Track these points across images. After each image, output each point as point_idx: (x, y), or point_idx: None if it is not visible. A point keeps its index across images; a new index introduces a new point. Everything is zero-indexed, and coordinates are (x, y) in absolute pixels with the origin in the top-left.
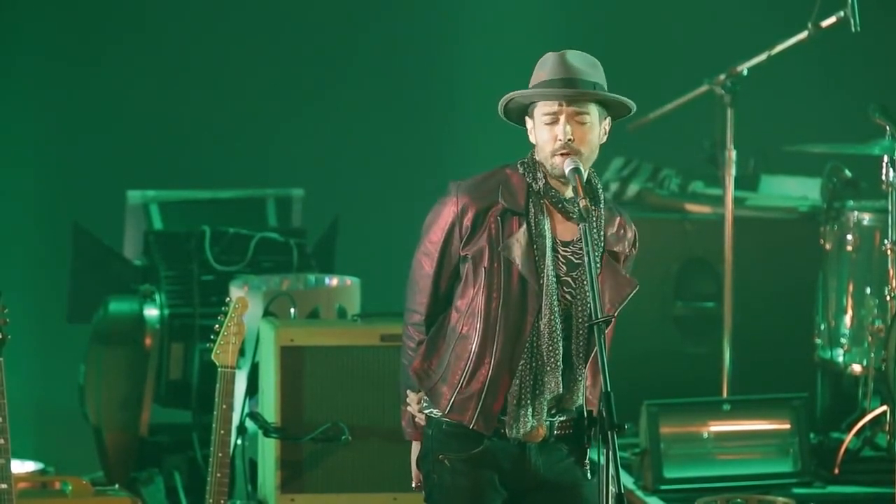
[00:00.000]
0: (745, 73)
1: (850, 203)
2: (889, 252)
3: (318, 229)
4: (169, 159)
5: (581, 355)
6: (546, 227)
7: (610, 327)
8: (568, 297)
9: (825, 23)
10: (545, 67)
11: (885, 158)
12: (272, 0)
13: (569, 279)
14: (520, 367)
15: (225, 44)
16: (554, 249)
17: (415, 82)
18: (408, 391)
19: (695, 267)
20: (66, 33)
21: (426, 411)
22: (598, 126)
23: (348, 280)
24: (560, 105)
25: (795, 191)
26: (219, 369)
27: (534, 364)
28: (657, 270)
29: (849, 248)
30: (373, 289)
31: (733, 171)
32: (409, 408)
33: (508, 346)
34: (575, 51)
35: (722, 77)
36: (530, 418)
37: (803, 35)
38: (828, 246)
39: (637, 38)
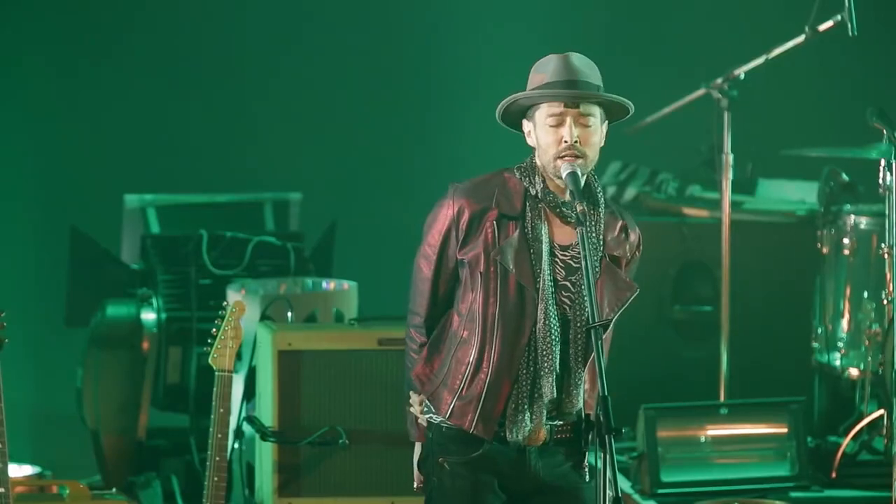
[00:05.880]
0: (743, 76)
1: (848, 207)
2: (886, 256)
3: (315, 233)
4: (166, 163)
5: (580, 360)
6: (543, 232)
7: (609, 332)
8: (566, 301)
9: (823, 27)
10: (547, 69)
11: (883, 162)
12: (270, 5)
13: (567, 283)
14: (519, 372)
15: (222, 48)
16: (551, 254)
17: (413, 86)
18: (410, 392)
19: (692, 271)
20: (64, 37)
21: (426, 416)
22: (600, 128)
23: (345, 284)
24: (566, 107)
25: (793, 195)
26: (216, 373)
27: (532, 369)
28: (655, 274)
29: (846, 251)
30: (370, 292)
31: (731, 175)
32: (411, 409)
33: (507, 351)
34: (575, 52)
35: (719, 81)
36: (528, 423)
37: (801, 39)
38: (825, 250)
39: (635, 42)
